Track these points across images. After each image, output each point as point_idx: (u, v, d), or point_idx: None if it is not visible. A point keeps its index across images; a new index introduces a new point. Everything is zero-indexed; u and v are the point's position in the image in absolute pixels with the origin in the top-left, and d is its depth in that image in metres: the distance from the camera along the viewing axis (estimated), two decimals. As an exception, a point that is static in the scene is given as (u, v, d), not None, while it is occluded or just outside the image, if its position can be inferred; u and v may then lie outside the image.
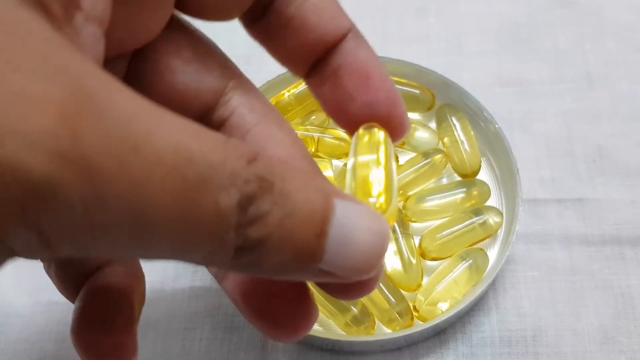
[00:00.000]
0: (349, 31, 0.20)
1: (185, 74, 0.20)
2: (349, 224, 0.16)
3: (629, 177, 0.37)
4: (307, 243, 0.15)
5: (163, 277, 0.35)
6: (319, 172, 0.22)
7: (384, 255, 0.17)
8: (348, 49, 0.20)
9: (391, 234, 0.34)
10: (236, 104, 0.21)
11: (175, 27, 0.21)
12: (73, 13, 0.15)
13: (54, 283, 0.23)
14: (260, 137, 0.20)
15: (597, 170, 0.38)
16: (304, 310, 0.19)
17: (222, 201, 0.13)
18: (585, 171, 0.38)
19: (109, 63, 0.20)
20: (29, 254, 0.13)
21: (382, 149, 0.20)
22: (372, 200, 0.18)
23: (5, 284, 0.35)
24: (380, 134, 0.20)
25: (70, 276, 0.22)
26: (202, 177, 0.13)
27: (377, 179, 0.19)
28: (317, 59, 0.20)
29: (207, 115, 0.21)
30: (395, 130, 0.20)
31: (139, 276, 0.23)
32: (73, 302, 0.22)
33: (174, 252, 0.14)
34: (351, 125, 0.21)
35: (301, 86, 0.38)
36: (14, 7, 0.13)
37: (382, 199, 0.18)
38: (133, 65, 0.20)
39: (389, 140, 0.20)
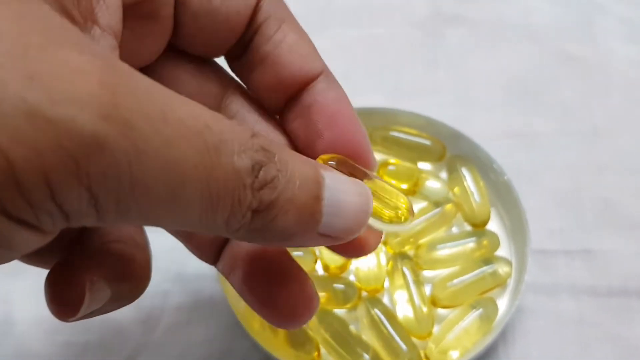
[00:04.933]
0: (321, 73, 0.22)
1: (189, 84, 0.22)
2: (337, 189, 0.18)
3: (635, 229, 0.38)
4: (308, 206, 0.17)
5: (178, 318, 0.36)
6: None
7: (370, 213, 0.19)
8: (319, 89, 0.22)
9: (402, 281, 0.34)
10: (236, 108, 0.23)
11: (174, 50, 0.22)
12: (91, 25, 0.17)
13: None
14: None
15: (604, 222, 0.38)
16: (305, 298, 0.21)
17: (237, 162, 0.15)
18: (592, 223, 0.38)
19: None
20: (80, 219, 0.14)
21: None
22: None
23: (24, 323, 0.35)
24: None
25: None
26: (219, 141, 0.15)
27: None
28: (290, 96, 0.22)
29: None
30: (362, 165, 0.21)
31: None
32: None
33: (201, 213, 0.15)
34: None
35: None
36: (51, 13, 0.15)
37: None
38: None
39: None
